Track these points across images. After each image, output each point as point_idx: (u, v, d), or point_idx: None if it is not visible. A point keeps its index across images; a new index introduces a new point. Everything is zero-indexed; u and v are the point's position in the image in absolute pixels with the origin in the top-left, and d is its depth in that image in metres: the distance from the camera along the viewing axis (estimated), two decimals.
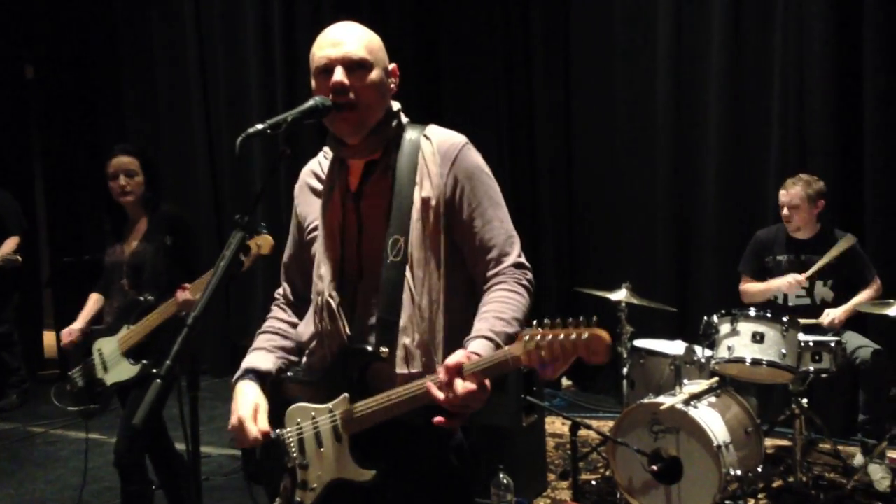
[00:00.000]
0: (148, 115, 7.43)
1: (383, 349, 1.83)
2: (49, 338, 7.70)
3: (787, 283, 4.10)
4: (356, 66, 1.83)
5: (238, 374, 1.98)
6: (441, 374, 1.67)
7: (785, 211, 4.19)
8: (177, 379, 1.61)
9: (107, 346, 3.37)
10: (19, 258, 5.70)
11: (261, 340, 2.06)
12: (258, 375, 1.97)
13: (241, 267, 1.67)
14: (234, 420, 1.89)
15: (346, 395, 1.86)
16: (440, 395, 1.67)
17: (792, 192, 4.15)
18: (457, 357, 1.68)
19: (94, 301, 3.57)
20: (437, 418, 1.68)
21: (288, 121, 1.74)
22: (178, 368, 1.52)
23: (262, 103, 6.64)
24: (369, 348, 1.84)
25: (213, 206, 7.04)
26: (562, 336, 1.52)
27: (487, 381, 1.66)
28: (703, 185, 5.37)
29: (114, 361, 3.34)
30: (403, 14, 6.26)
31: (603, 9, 5.74)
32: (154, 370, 3.23)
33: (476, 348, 1.71)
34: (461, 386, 1.64)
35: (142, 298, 3.31)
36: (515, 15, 5.98)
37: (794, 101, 4.93)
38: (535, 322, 1.60)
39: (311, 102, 1.80)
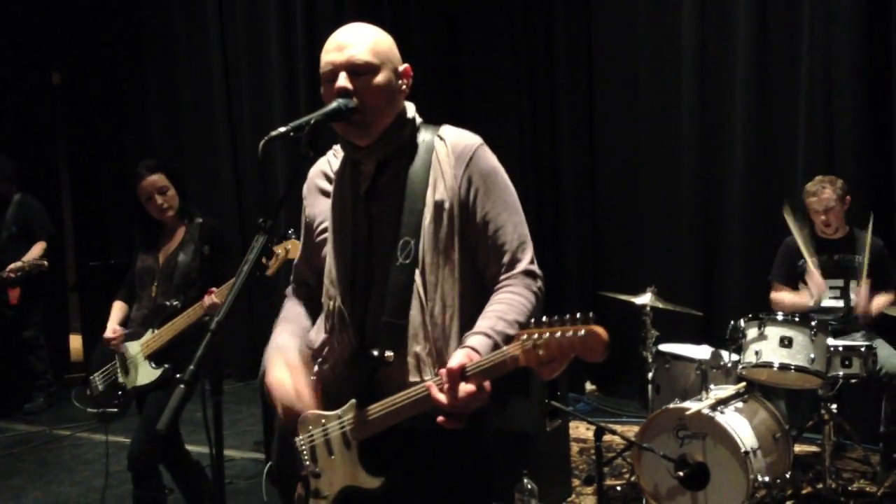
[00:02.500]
0: (172, 121, 7.49)
1: (388, 353, 1.80)
2: (75, 341, 7.78)
3: (816, 287, 4.01)
4: (360, 71, 1.80)
5: (265, 359, 1.97)
6: (443, 377, 1.65)
7: (822, 217, 4.11)
8: (200, 383, 1.61)
9: (129, 350, 3.39)
10: (45, 263, 5.76)
11: (279, 329, 2.03)
12: (286, 353, 1.96)
13: (265, 270, 1.67)
14: (274, 393, 1.89)
15: (354, 400, 1.84)
16: (443, 398, 1.65)
17: (824, 196, 4.08)
18: (458, 359, 1.66)
19: (118, 308, 3.57)
20: (440, 418, 1.66)
21: (311, 123, 1.74)
22: (201, 373, 1.52)
23: (284, 106, 6.66)
24: (375, 353, 1.81)
25: (236, 209, 7.08)
26: (559, 334, 1.49)
27: (487, 383, 1.64)
28: (728, 186, 5.31)
29: (136, 365, 3.36)
30: (425, 13, 6.26)
31: (627, 8, 5.70)
32: (175, 375, 3.27)
33: (474, 343, 1.70)
34: (462, 389, 1.63)
35: (168, 303, 3.32)
36: (538, 14, 5.95)
37: (821, 101, 4.87)
38: (532, 321, 1.57)
39: (333, 105, 1.79)
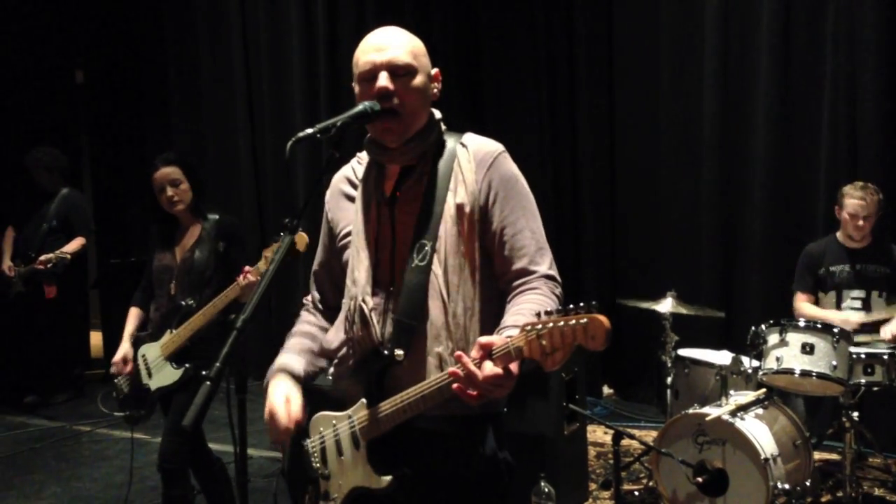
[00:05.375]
0: (193, 120, 7.53)
1: (398, 352, 1.80)
2: (95, 338, 7.84)
3: (842, 320, 3.94)
4: (401, 72, 1.82)
5: (269, 374, 1.99)
6: (474, 353, 1.62)
7: (859, 221, 4.05)
8: (225, 381, 1.62)
9: (150, 352, 3.40)
10: (69, 255, 5.82)
11: (290, 344, 2.06)
12: (289, 374, 1.97)
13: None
14: (266, 413, 1.90)
15: (364, 400, 1.85)
16: (474, 370, 1.60)
17: (870, 202, 4.03)
18: (490, 337, 1.63)
19: (133, 317, 3.56)
20: (456, 385, 1.62)
21: (337, 125, 1.74)
22: (226, 371, 1.52)
23: (305, 108, 6.68)
24: (385, 352, 1.81)
25: (256, 209, 7.11)
26: (561, 323, 1.47)
27: (514, 366, 1.60)
28: (749, 193, 5.27)
29: (157, 367, 3.37)
30: (446, 20, 6.26)
31: (648, 14, 5.68)
32: (200, 373, 3.27)
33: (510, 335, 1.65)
34: (489, 367, 1.59)
35: (183, 303, 3.33)
36: (558, 21, 5.95)
37: (844, 104, 4.83)
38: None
39: (360, 107, 1.79)
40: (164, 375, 3.35)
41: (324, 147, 1.79)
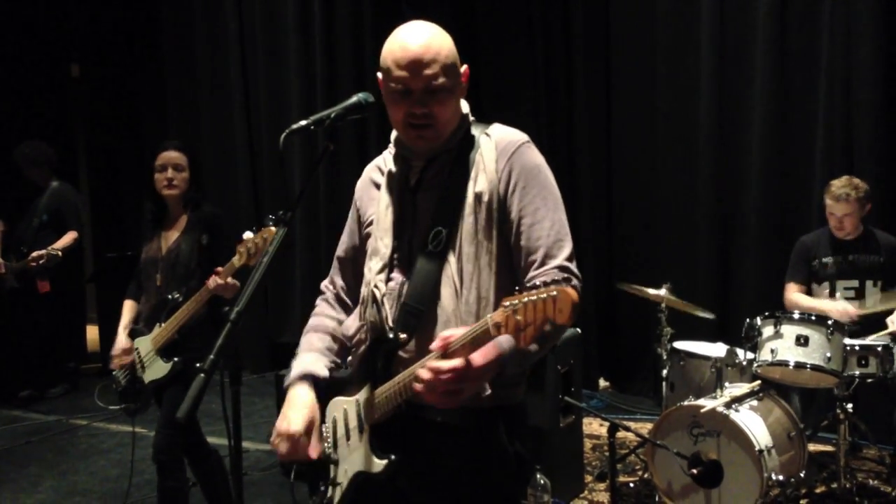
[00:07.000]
0: (190, 114, 7.52)
1: (402, 335, 1.80)
2: (92, 332, 7.83)
3: (839, 312, 3.94)
4: (437, 90, 1.80)
5: (294, 375, 1.93)
6: (435, 345, 1.63)
7: (841, 221, 4.07)
8: (219, 373, 1.62)
9: (143, 346, 3.41)
10: (60, 252, 5.80)
11: (314, 340, 2.02)
12: (315, 381, 1.92)
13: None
14: (284, 428, 1.83)
15: (369, 384, 1.85)
16: (424, 373, 1.61)
17: (847, 206, 4.03)
18: (444, 334, 1.63)
19: (128, 309, 3.57)
20: (418, 386, 1.63)
21: (331, 117, 1.74)
22: (220, 363, 1.52)
23: (301, 100, 6.68)
24: (390, 335, 1.81)
25: (252, 201, 7.10)
26: (534, 297, 1.49)
27: (477, 356, 1.60)
28: (745, 186, 5.28)
29: (150, 360, 3.38)
30: (442, 12, 6.24)
31: (645, 6, 5.67)
32: (185, 367, 3.28)
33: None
34: (445, 364, 1.59)
35: (170, 297, 3.34)
36: (555, 13, 5.94)
37: (840, 101, 4.84)
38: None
39: (354, 99, 1.80)
40: (155, 369, 3.37)
41: (319, 140, 1.78)
